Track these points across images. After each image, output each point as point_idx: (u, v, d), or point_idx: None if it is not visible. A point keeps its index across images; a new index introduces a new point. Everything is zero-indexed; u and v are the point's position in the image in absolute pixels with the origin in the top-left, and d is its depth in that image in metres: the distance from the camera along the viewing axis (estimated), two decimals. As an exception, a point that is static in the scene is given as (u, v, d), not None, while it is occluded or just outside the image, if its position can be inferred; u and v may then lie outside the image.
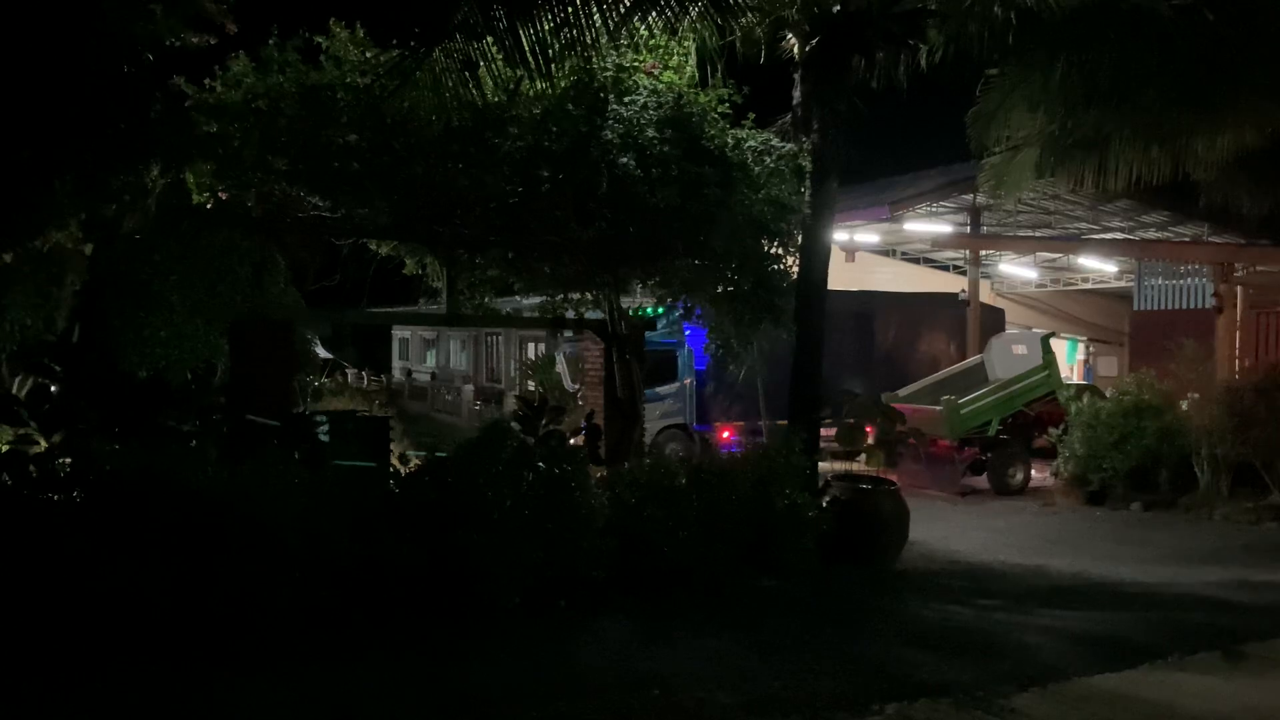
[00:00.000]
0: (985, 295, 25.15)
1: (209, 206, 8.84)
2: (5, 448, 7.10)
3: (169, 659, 5.77)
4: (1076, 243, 22.55)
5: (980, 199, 20.15)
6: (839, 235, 21.22)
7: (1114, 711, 5.53)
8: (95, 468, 6.57)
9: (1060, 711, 5.49)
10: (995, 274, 26.70)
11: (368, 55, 8.56)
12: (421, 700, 5.43)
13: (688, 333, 15.82)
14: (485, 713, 5.28)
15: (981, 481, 15.67)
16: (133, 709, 5.19)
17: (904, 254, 26.47)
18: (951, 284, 25.31)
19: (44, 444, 7.09)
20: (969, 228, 22.22)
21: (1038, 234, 23.34)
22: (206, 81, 8.52)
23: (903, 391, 16.62)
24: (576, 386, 17.81)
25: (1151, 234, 22.56)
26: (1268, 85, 10.11)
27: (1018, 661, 6.34)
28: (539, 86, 8.28)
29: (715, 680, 5.82)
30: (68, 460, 6.86)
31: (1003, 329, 20.66)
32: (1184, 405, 14.17)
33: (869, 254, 24.37)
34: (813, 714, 5.33)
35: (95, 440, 6.99)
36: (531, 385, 18.23)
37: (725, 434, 16.14)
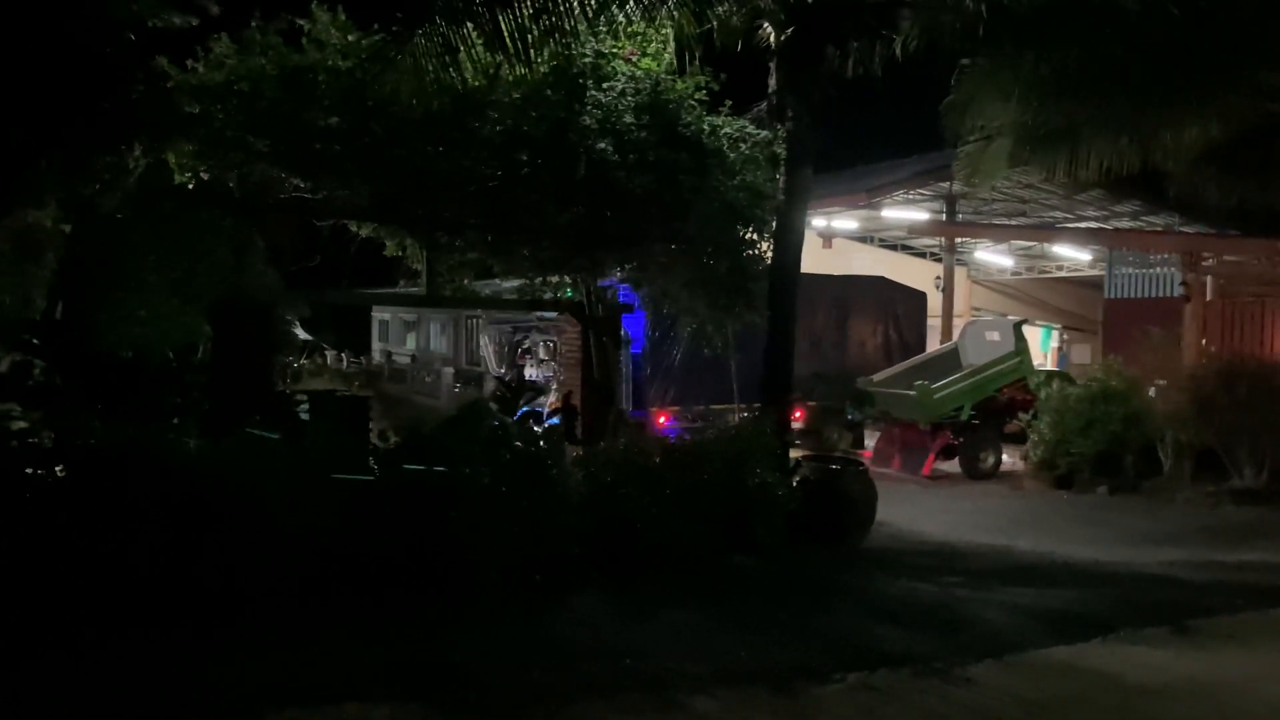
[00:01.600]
0: (961, 282, 25.43)
1: (190, 187, 8.93)
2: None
3: (156, 630, 5.89)
4: (1049, 231, 22.86)
5: (956, 187, 20.38)
6: (817, 221, 21.42)
7: (1064, 680, 5.79)
8: (79, 443, 6.67)
9: (1014, 680, 5.73)
10: (971, 261, 27.01)
11: (349, 39, 8.66)
12: (400, 669, 5.60)
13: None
14: (461, 681, 5.44)
15: (953, 466, 15.95)
16: (119, 675, 5.32)
17: (881, 241, 26.73)
18: (928, 271, 25.58)
19: (26, 422, 7.21)
20: (945, 215, 22.48)
21: (1012, 222, 23.63)
22: (189, 63, 8.60)
23: (877, 376, 16.87)
24: (502, 371, 17.76)
25: (1124, 223, 22.91)
26: (1231, 79, 10.36)
27: (976, 634, 6.58)
28: (518, 72, 8.40)
29: (686, 651, 6.02)
30: (50, 436, 6.97)
31: (924, 312, 20.61)
32: (1151, 392, 14.49)
33: (847, 240, 24.60)
34: (778, 682, 5.54)
35: (79, 416, 7.09)
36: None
37: (662, 419, 15.73)
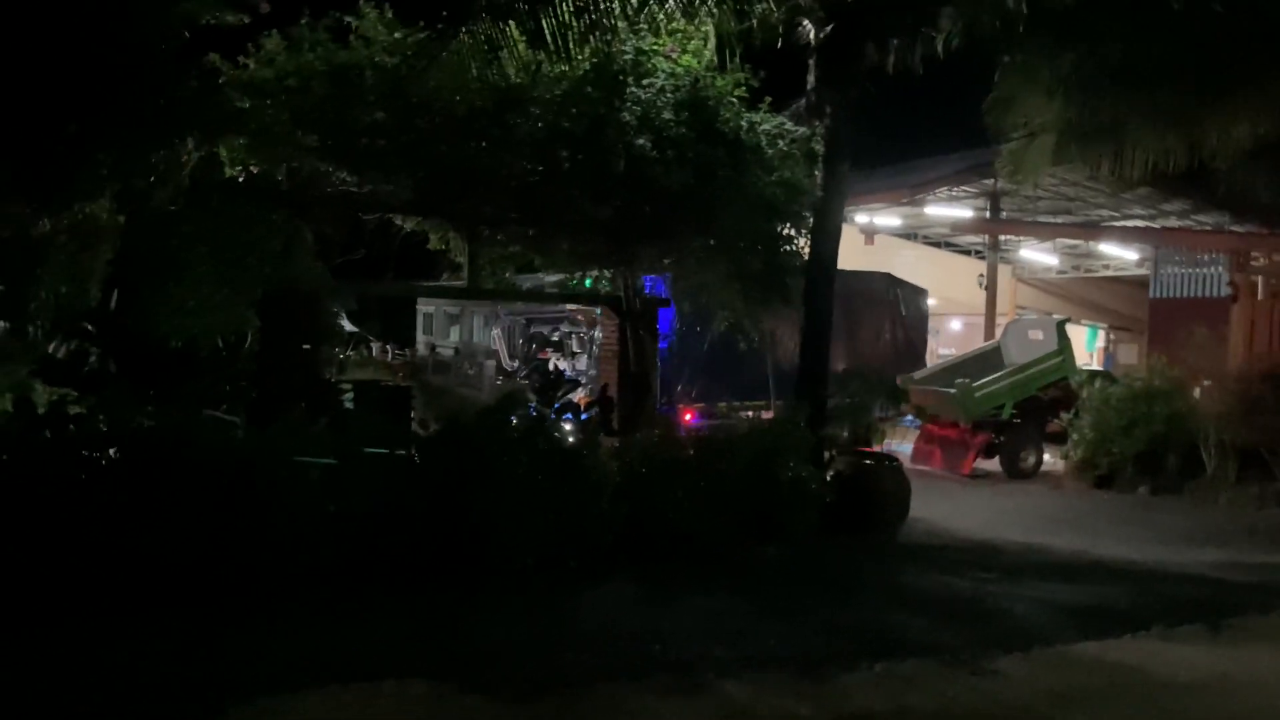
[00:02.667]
0: (1006, 280, 25.20)
1: (240, 180, 9.18)
2: (43, 409, 7.47)
3: (200, 607, 6.12)
4: (1093, 229, 22.58)
5: (1000, 184, 20.20)
6: (859, 218, 21.34)
7: (1090, 675, 5.82)
8: (133, 427, 6.91)
9: (1039, 673, 5.78)
10: (1016, 259, 26.73)
11: (395, 35, 8.84)
12: (435, 649, 5.77)
13: None
14: (495, 662, 5.60)
15: (994, 464, 15.86)
16: (165, 649, 5.54)
17: (925, 238, 26.56)
18: (973, 268, 25.39)
19: (79, 407, 7.48)
20: (989, 212, 22.30)
21: (1057, 220, 23.37)
22: (240, 59, 8.84)
23: (918, 374, 16.81)
24: (514, 364, 17.66)
25: (1172, 221, 22.55)
26: (1277, 76, 10.24)
27: (1005, 628, 6.62)
28: (559, 69, 8.54)
29: (714, 637, 6.13)
30: (104, 420, 7.22)
31: (925, 308, 20.07)
32: (1196, 392, 14.32)
33: (889, 237, 24.44)
34: (805, 669, 5.63)
35: (132, 402, 7.35)
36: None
37: (688, 417, 14.82)
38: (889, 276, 19.95)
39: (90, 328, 8.53)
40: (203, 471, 6.58)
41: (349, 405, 9.88)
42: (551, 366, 16.32)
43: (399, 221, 10.48)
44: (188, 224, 8.74)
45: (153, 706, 4.78)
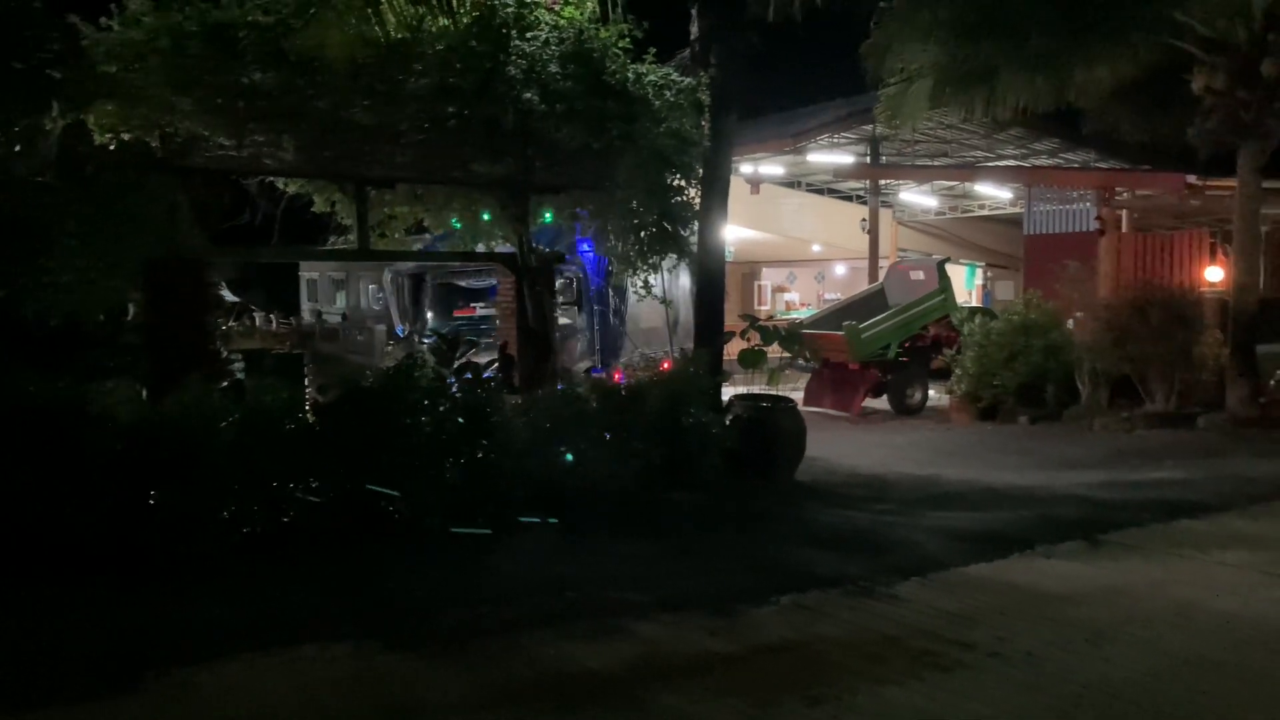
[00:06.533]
0: (887, 224, 25.89)
1: (111, 148, 8.80)
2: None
3: (106, 584, 5.99)
4: (970, 170, 23.37)
5: (879, 130, 20.71)
6: (745, 168, 21.65)
7: (984, 593, 6.15)
8: (22, 404, 6.65)
9: (937, 595, 6.08)
10: (896, 203, 27.45)
11: (271, -8, 8.54)
12: (353, 611, 5.77)
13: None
14: (413, 619, 5.63)
15: (883, 403, 16.43)
16: (71, 628, 5.41)
17: (808, 185, 27.05)
18: (855, 213, 26.00)
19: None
20: (869, 158, 22.84)
21: (934, 163, 24.08)
22: (103, 20, 8.43)
23: (808, 318, 17.23)
24: (405, 326, 17.20)
25: (1043, 160, 23.50)
26: (1136, 17, 10.75)
27: (903, 556, 6.93)
28: (441, 24, 8.40)
29: (629, 582, 6.28)
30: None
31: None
32: (1069, 324, 15.03)
33: (774, 186, 24.85)
34: (717, 606, 5.81)
35: (15, 379, 7.06)
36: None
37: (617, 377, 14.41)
38: None
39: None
40: (102, 445, 6.40)
41: (240, 375, 9.65)
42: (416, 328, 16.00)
43: (282, 185, 10.22)
44: (55, 195, 8.36)
45: (65, 681, 4.68)
